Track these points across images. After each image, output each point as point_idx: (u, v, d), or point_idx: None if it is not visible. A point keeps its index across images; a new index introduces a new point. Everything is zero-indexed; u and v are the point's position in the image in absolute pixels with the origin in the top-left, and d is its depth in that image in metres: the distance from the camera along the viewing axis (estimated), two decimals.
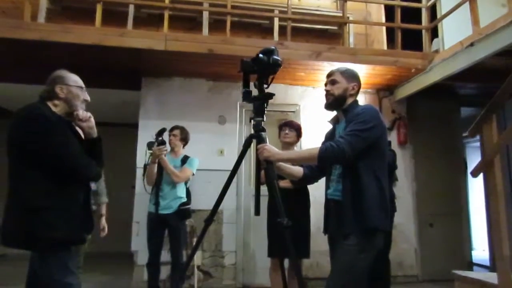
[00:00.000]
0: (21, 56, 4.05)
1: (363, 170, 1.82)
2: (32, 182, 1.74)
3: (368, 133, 1.81)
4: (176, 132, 3.51)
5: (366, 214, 1.78)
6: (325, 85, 2.03)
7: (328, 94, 2.01)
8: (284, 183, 2.81)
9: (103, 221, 3.36)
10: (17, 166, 1.77)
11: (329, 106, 2.03)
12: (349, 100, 1.99)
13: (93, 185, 3.05)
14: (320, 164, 1.92)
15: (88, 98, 1.97)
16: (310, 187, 2.94)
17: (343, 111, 1.99)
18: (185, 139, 3.56)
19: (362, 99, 4.87)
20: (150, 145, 3.36)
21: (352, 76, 2.01)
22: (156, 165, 3.33)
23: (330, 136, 2.08)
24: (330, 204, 2.00)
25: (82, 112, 1.90)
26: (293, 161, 2.07)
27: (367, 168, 1.83)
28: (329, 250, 2.05)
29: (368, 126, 1.81)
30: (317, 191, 2.64)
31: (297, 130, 3.13)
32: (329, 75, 2.04)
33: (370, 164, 1.84)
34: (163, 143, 3.29)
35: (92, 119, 1.91)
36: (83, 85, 1.96)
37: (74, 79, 1.93)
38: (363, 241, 1.78)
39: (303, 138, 3.32)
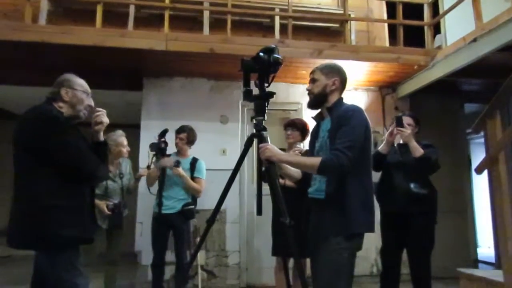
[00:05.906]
0: (22, 58, 4.04)
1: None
2: (43, 182, 1.75)
3: (361, 140, 1.80)
4: (183, 135, 3.48)
5: (350, 218, 1.76)
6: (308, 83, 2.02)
7: (309, 93, 1.99)
8: (289, 182, 2.81)
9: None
10: (27, 166, 1.78)
11: (310, 105, 2.02)
12: (332, 97, 1.94)
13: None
14: (318, 174, 1.89)
15: (92, 104, 1.99)
16: None
17: (328, 109, 1.95)
18: (192, 141, 3.54)
19: (364, 97, 4.84)
20: (152, 147, 3.35)
21: (331, 71, 1.97)
22: (159, 170, 3.32)
23: (315, 134, 2.06)
24: (311, 203, 1.96)
25: (103, 115, 1.95)
26: (292, 165, 2.03)
27: (352, 169, 1.77)
28: (307, 249, 1.95)
29: (359, 133, 1.80)
30: None
31: (301, 129, 3.12)
32: (310, 74, 2.02)
33: (356, 165, 1.77)
34: (166, 144, 3.31)
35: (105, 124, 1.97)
36: (89, 91, 1.98)
37: (80, 83, 1.95)
38: (345, 242, 1.76)
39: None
